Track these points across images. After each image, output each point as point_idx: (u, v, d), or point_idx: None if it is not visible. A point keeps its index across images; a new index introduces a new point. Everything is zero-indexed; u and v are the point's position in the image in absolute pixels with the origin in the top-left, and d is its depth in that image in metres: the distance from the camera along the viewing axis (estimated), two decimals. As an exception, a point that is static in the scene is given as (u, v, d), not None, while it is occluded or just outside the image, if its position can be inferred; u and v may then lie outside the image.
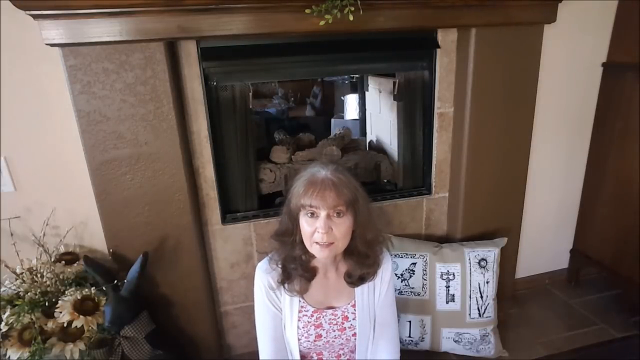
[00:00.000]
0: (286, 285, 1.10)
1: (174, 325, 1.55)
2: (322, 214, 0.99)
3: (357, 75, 2.45)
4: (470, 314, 1.61)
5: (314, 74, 2.55)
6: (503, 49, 1.55)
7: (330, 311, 1.14)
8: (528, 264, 2.09)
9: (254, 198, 1.65)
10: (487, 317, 1.62)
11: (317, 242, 1.01)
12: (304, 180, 1.02)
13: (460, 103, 1.64)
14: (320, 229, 0.99)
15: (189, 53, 1.38)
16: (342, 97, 3.77)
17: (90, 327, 1.23)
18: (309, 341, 1.14)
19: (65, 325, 1.21)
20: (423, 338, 1.64)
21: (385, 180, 1.88)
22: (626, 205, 1.81)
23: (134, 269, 1.31)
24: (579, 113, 1.90)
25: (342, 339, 1.16)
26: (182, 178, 1.41)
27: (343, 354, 1.22)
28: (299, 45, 1.47)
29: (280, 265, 1.10)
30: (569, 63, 1.79)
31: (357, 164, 1.86)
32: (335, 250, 1.03)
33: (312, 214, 1.00)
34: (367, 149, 2.15)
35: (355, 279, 1.12)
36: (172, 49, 1.34)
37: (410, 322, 1.63)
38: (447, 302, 1.61)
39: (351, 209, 1.02)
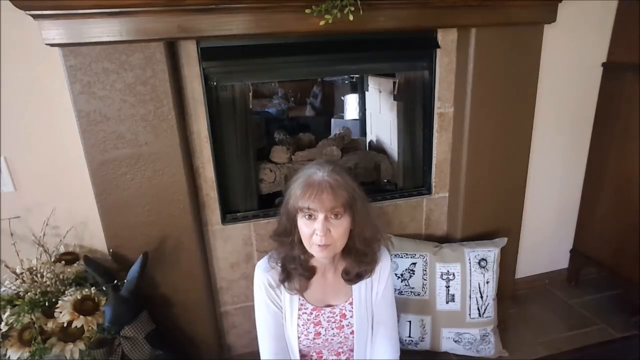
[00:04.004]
0: (286, 284, 1.10)
1: (174, 325, 1.55)
2: (320, 216, 0.99)
3: (357, 76, 2.45)
4: (470, 314, 1.61)
5: (314, 74, 2.55)
6: (503, 49, 1.55)
7: (328, 309, 1.14)
8: (528, 264, 2.08)
9: (253, 198, 1.65)
10: (487, 317, 1.62)
11: (315, 244, 1.01)
12: (300, 182, 1.02)
13: (460, 103, 1.64)
14: (318, 232, 0.99)
15: (189, 53, 1.38)
16: (342, 97, 3.77)
17: (90, 327, 1.23)
18: (308, 339, 1.14)
19: (65, 325, 1.21)
20: (423, 338, 1.64)
21: (385, 180, 1.88)
22: (626, 205, 1.81)
23: (134, 269, 1.31)
24: (579, 113, 1.90)
25: (341, 337, 1.16)
26: (182, 178, 1.41)
27: (342, 352, 1.22)
28: (299, 45, 1.47)
29: (279, 265, 1.11)
30: (569, 63, 1.79)
31: (357, 164, 1.86)
32: (333, 250, 1.04)
33: (310, 216, 1.00)
34: (367, 149, 2.15)
35: (353, 276, 1.13)
36: (172, 49, 1.34)
37: (410, 322, 1.63)
38: (447, 302, 1.61)
39: (349, 209, 1.02)
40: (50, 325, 1.22)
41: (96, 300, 1.28)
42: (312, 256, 1.10)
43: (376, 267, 1.16)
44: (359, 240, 1.08)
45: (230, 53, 1.42)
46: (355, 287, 1.15)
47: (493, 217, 1.78)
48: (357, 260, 1.11)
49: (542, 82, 1.66)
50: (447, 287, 1.61)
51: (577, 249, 2.11)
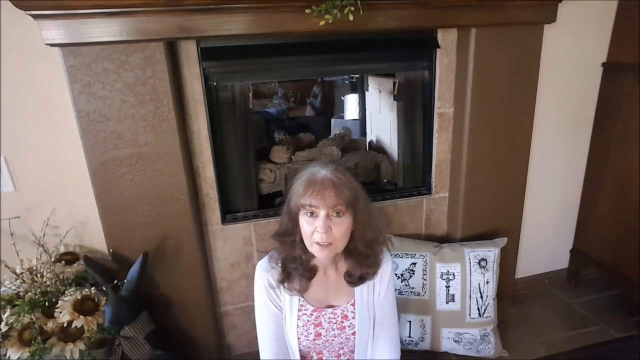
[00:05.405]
0: (286, 284, 1.10)
1: (174, 325, 1.55)
2: (322, 213, 0.99)
3: (357, 75, 2.45)
4: (470, 314, 1.61)
5: (314, 74, 2.55)
6: (503, 49, 1.55)
7: (329, 310, 1.14)
8: (528, 264, 2.08)
9: (253, 198, 1.65)
10: (487, 317, 1.62)
11: (316, 242, 1.01)
12: (303, 179, 1.02)
13: (460, 103, 1.64)
14: (319, 229, 0.99)
15: (189, 53, 1.38)
16: (342, 97, 3.77)
17: (90, 327, 1.23)
18: (308, 340, 1.14)
19: (65, 325, 1.21)
20: (423, 338, 1.64)
21: (385, 180, 1.88)
22: (626, 205, 1.81)
23: (134, 269, 1.32)
24: (579, 113, 1.90)
25: (342, 338, 1.16)
26: (182, 178, 1.41)
27: (343, 354, 1.22)
28: (299, 45, 1.47)
29: (280, 265, 1.11)
30: (569, 63, 1.79)
31: (357, 164, 1.86)
32: (334, 250, 1.04)
33: (312, 213, 1.01)
34: (367, 149, 2.15)
35: (355, 279, 1.12)
36: (172, 49, 1.34)
37: (410, 322, 1.63)
38: (447, 302, 1.61)
39: (351, 208, 1.02)
40: (50, 325, 1.22)
41: (96, 300, 1.28)
42: (313, 256, 1.10)
43: (378, 269, 1.16)
44: (361, 241, 1.08)
45: (230, 53, 1.42)
46: (357, 288, 1.15)
47: (493, 217, 1.78)
48: (359, 262, 1.10)
49: (542, 82, 1.66)
50: (447, 287, 1.61)
51: (577, 249, 2.11)
